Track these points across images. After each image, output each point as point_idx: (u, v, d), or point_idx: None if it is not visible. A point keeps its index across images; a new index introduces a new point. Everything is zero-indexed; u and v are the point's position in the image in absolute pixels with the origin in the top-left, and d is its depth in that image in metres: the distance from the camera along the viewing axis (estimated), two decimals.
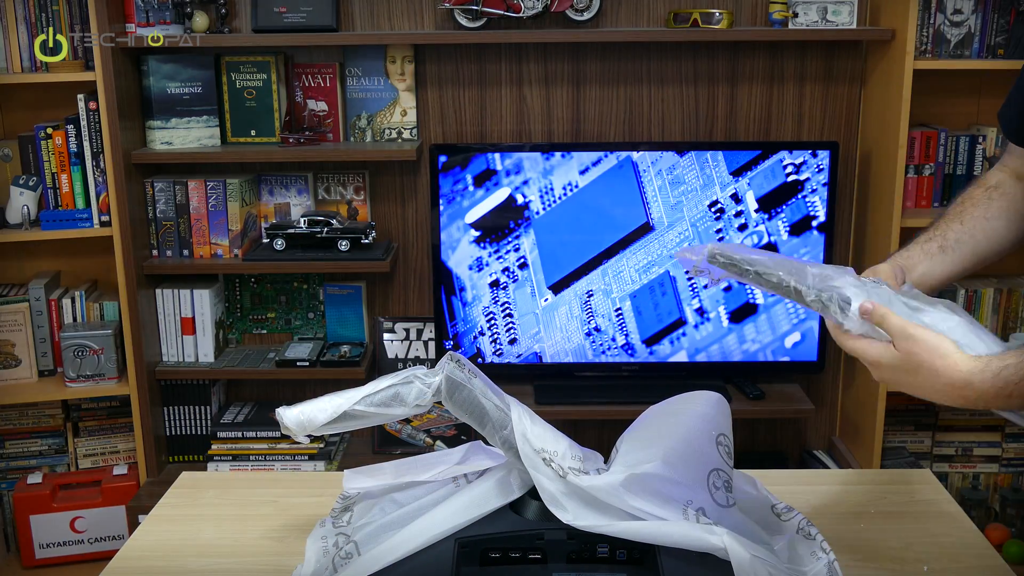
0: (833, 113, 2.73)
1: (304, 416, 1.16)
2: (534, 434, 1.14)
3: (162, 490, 1.53)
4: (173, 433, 2.81)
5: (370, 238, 2.64)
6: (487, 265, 2.63)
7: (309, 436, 1.18)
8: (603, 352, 2.68)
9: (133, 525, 2.57)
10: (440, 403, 1.17)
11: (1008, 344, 1.08)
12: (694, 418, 1.20)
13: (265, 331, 2.88)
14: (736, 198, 2.58)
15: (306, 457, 2.72)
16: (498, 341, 2.66)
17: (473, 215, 2.61)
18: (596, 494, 1.10)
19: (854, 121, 2.74)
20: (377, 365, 2.78)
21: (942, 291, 1.29)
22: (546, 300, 2.64)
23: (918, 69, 2.46)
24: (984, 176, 1.41)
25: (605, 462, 1.20)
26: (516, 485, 1.17)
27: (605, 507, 1.11)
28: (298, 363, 2.69)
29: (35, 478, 2.79)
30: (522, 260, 2.62)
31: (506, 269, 2.63)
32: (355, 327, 2.81)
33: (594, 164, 2.57)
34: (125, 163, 2.53)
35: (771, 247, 2.61)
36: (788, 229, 2.60)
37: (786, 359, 2.68)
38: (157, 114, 2.60)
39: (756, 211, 2.59)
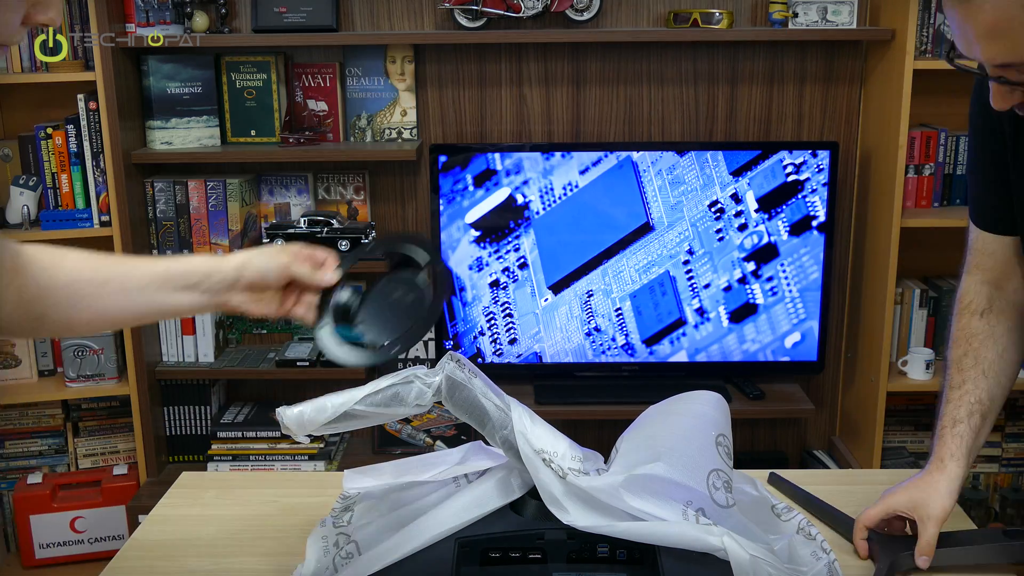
0: (833, 113, 2.73)
1: (304, 416, 1.16)
2: (534, 434, 1.14)
3: (162, 490, 1.53)
4: (173, 433, 2.81)
5: (370, 238, 2.64)
6: (487, 265, 2.63)
7: (309, 436, 1.18)
8: (603, 352, 2.68)
9: (133, 525, 2.57)
10: (440, 403, 1.17)
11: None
12: (693, 418, 1.20)
13: (265, 331, 2.88)
14: (736, 198, 2.58)
15: (306, 457, 2.72)
16: (498, 341, 2.66)
17: (473, 215, 2.61)
18: (596, 495, 1.10)
19: (854, 121, 2.74)
20: (377, 365, 2.77)
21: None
22: (546, 300, 2.64)
23: (918, 69, 2.46)
24: (966, 299, 1.38)
25: (605, 462, 1.20)
26: (516, 485, 1.17)
27: (605, 508, 1.11)
28: (298, 363, 2.68)
29: (35, 478, 2.79)
30: (522, 260, 2.62)
31: (506, 269, 2.63)
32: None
33: (594, 164, 2.57)
34: (125, 163, 2.53)
35: (771, 247, 2.61)
36: (788, 229, 2.60)
37: (786, 359, 2.69)
38: (157, 114, 2.60)
39: (756, 211, 2.59)
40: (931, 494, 1.25)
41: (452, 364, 1.16)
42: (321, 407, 1.15)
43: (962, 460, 1.28)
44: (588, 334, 2.66)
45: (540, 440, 1.14)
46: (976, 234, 1.38)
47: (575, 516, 1.11)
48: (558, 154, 2.57)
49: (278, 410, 1.17)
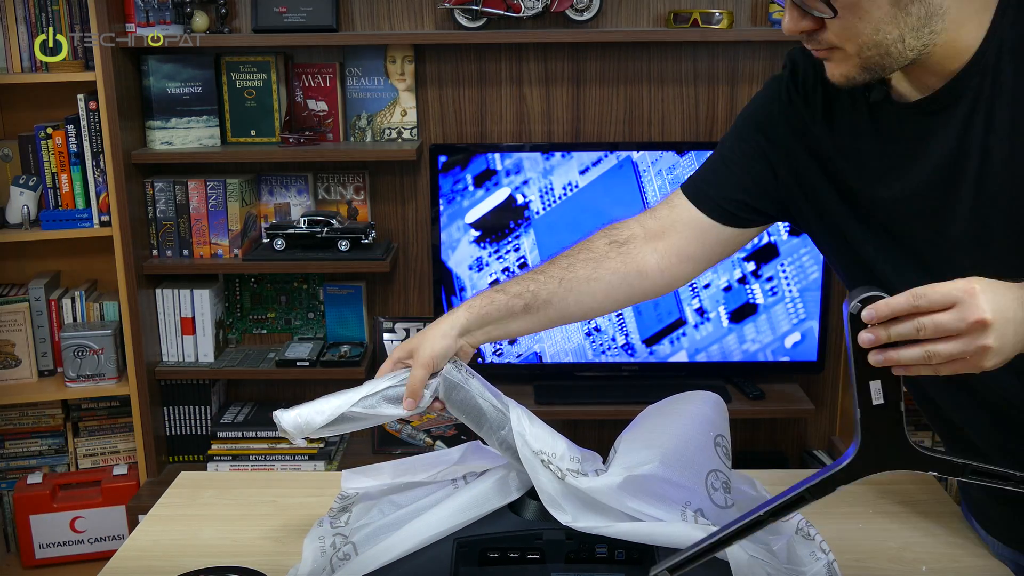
0: None
1: (301, 419, 1.16)
2: (533, 435, 1.14)
3: (162, 490, 1.53)
4: (173, 433, 2.81)
5: (370, 238, 2.64)
6: (487, 265, 2.63)
7: (307, 439, 1.18)
8: (603, 352, 2.68)
9: (133, 525, 2.57)
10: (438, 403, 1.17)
11: None
12: (692, 418, 1.20)
13: (265, 331, 2.88)
14: None
15: (306, 457, 2.72)
16: (498, 341, 2.66)
17: (473, 215, 2.61)
18: (594, 495, 1.10)
19: None
20: (377, 365, 2.76)
21: None
22: None
23: None
24: (619, 226, 1.33)
25: (604, 462, 1.20)
26: (515, 486, 1.17)
27: (604, 508, 1.11)
28: (298, 363, 2.68)
29: (35, 478, 2.79)
30: (522, 260, 2.62)
31: (506, 269, 2.63)
32: (355, 327, 2.81)
33: (594, 164, 2.57)
34: (125, 163, 2.53)
35: (771, 247, 2.60)
36: (788, 229, 2.60)
37: (786, 359, 2.68)
38: (157, 114, 2.60)
39: None
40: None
41: (449, 365, 1.16)
42: (318, 410, 1.15)
43: (470, 312, 1.25)
44: (588, 334, 2.66)
45: (539, 441, 1.14)
46: (679, 203, 1.31)
47: (574, 517, 1.11)
48: (558, 154, 2.57)
49: (275, 413, 1.17)
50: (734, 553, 1.06)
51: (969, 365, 0.91)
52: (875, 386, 0.92)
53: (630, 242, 1.31)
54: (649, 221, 1.32)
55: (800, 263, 2.61)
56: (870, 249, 1.18)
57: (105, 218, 2.61)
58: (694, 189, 1.31)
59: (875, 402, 0.92)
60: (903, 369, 0.91)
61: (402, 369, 1.18)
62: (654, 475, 1.10)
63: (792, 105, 1.23)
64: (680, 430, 1.17)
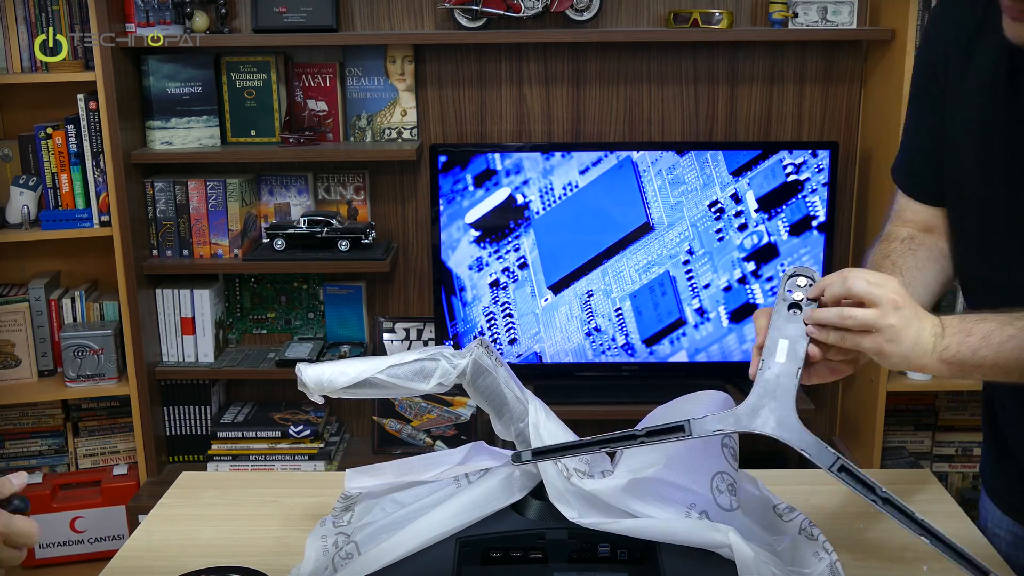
0: (833, 113, 2.73)
1: (324, 376, 1.14)
2: (546, 429, 1.14)
3: (162, 490, 1.53)
4: (173, 433, 2.81)
5: (370, 238, 2.64)
6: (487, 265, 2.63)
7: (324, 397, 1.17)
8: (603, 352, 2.68)
9: (133, 525, 2.57)
10: (459, 386, 1.17)
11: None
12: None
13: (265, 331, 2.88)
14: (736, 198, 2.58)
15: (306, 457, 2.72)
16: (498, 341, 2.66)
17: (473, 215, 2.61)
18: (599, 496, 1.10)
19: (854, 121, 2.74)
20: None
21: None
22: (546, 300, 2.64)
23: None
24: (889, 232, 1.36)
25: (611, 462, 1.20)
26: (518, 486, 1.17)
27: (609, 507, 1.11)
28: (298, 363, 2.67)
29: (35, 478, 2.79)
30: (522, 260, 2.62)
31: (506, 269, 2.63)
32: (355, 327, 2.81)
33: (594, 164, 2.57)
34: (125, 163, 2.53)
35: (771, 247, 2.61)
36: (788, 229, 2.60)
37: None
38: (157, 114, 2.60)
39: (756, 211, 2.59)
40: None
41: (481, 350, 1.15)
42: (342, 371, 1.14)
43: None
44: (588, 334, 2.66)
45: (551, 436, 1.14)
46: (904, 201, 1.37)
47: (580, 513, 1.11)
48: (558, 154, 2.57)
49: (298, 366, 1.16)
50: (740, 550, 1.06)
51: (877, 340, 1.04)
52: (782, 345, 1.05)
53: (916, 237, 1.34)
54: (908, 225, 1.35)
55: (800, 263, 2.62)
56: (975, 226, 1.23)
57: (105, 218, 2.61)
58: (908, 185, 1.36)
59: (777, 359, 1.05)
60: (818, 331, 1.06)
61: (432, 347, 1.18)
62: (659, 478, 1.10)
63: (936, 64, 1.27)
64: None
